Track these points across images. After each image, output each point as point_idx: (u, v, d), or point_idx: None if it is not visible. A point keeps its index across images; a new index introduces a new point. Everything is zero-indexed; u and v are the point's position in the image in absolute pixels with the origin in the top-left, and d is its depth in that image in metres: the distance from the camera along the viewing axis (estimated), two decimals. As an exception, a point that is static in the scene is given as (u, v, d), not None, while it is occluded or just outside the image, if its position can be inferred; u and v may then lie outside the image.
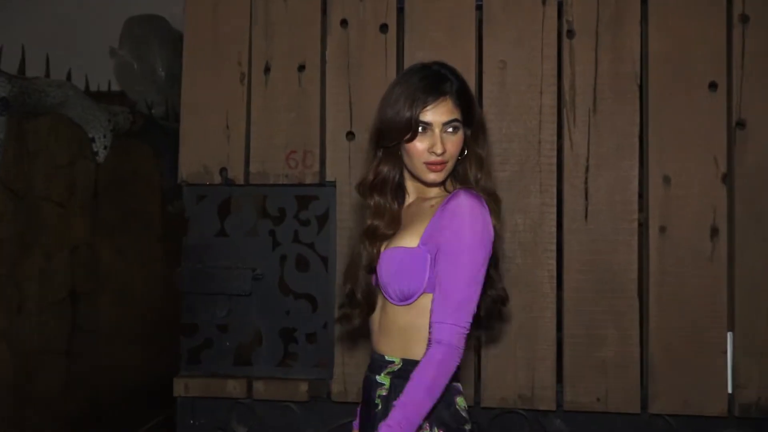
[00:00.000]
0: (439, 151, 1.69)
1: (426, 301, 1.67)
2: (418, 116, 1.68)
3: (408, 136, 1.70)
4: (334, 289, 2.55)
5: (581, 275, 2.45)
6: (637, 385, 2.43)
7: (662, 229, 2.43)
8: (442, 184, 1.79)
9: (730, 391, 2.39)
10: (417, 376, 1.60)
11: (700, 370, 2.40)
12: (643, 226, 2.47)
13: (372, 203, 1.81)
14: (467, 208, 1.65)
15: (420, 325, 1.68)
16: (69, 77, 4.06)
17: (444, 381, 1.61)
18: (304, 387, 2.55)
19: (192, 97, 2.67)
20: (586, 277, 2.45)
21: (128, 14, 4.64)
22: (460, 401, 1.71)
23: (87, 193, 3.88)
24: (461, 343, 1.62)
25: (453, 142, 1.71)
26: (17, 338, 3.30)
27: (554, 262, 2.47)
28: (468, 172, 1.77)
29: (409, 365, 1.66)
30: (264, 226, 2.64)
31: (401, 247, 1.71)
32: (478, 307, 1.68)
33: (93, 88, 4.62)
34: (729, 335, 2.39)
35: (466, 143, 1.75)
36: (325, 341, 2.59)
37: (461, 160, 1.77)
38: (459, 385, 1.72)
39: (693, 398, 2.40)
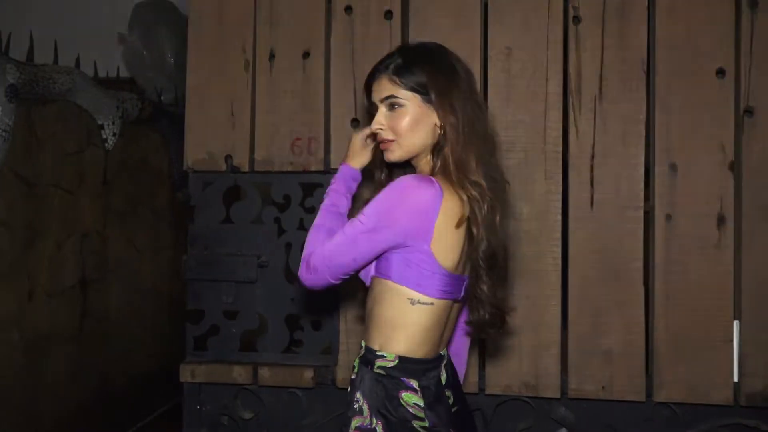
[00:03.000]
0: (373, 127, 1.73)
1: (379, 286, 1.68)
2: (368, 96, 1.75)
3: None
4: (339, 276, 2.55)
5: (587, 263, 2.44)
6: (642, 373, 2.42)
7: (668, 217, 2.41)
8: (406, 165, 1.77)
9: (736, 379, 2.38)
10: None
11: (705, 359, 2.39)
12: (649, 215, 2.45)
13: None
14: (396, 183, 1.62)
15: (376, 313, 1.69)
16: (77, 64, 4.06)
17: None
18: (309, 374, 2.56)
19: (197, 84, 2.68)
20: (591, 266, 2.44)
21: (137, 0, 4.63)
22: (408, 397, 1.64)
23: (96, 180, 3.89)
24: (313, 283, 1.68)
25: (394, 118, 1.68)
26: (28, 325, 3.32)
27: (559, 251, 2.46)
28: (445, 154, 1.68)
29: (369, 353, 1.69)
30: (269, 213, 2.64)
31: None
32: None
33: (102, 74, 4.61)
34: (735, 324, 2.38)
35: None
36: (330, 328, 2.60)
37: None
38: (411, 381, 1.64)
39: (698, 387, 2.39)
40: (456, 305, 1.75)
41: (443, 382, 1.73)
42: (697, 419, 2.42)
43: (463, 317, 1.84)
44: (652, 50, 2.45)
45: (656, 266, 2.42)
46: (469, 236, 1.64)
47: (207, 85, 2.66)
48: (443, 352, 1.77)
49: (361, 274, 1.72)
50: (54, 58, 4.01)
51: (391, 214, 1.59)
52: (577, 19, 2.48)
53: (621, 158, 2.44)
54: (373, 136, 1.77)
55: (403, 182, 1.61)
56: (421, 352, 1.67)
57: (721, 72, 2.40)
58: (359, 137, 1.87)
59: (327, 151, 2.59)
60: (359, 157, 1.87)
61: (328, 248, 1.65)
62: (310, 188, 2.61)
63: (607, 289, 2.43)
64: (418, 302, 1.65)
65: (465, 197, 1.63)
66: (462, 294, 1.71)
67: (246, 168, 2.63)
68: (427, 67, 1.69)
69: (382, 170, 1.86)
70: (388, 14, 2.56)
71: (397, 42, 2.55)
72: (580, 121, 2.46)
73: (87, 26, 4.92)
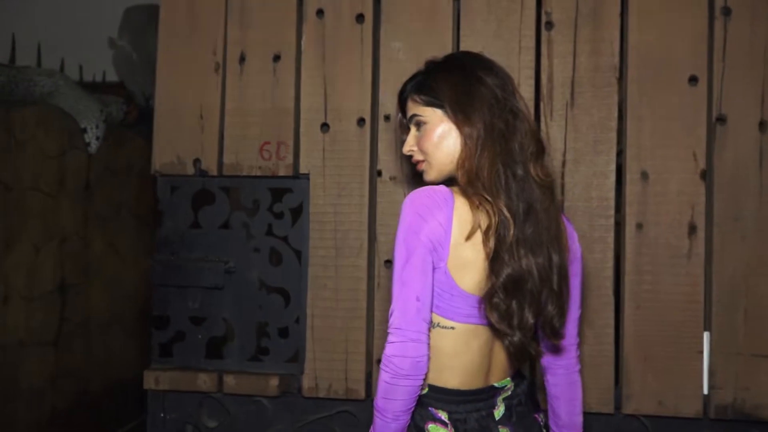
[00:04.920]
0: (404, 150, 1.72)
1: None
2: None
3: None
4: (307, 283, 2.52)
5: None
6: (611, 386, 2.38)
7: (639, 226, 2.37)
8: (444, 183, 1.65)
9: (705, 392, 2.33)
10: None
11: (675, 371, 2.34)
12: (620, 223, 2.41)
13: None
14: (403, 206, 1.55)
15: None
16: (62, 67, 4.06)
17: (392, 397, 1.49)
18: (274, 382, 2.52)
19: (166, 86, 2.65)
20: (561, 274, 2.39)
21: (124, 4, 4.63)
22: (434, 429, 1.56)
23: (78, 184, 3.87)
24: (398, 351, 1.48)
25: (421, 138, 1.67)
26: (4, 330, 3.30)
27: (528, 259, 2.41)
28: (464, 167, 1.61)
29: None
30: (238, 218, 2.61)
31: None
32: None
33: (87, 78, 4.62)
34: (705, 335, 2.33)
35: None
36: (298, 336, 2.56)
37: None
38: (439, 413, 1.57)
39: (668, 399, 2.34)
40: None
41: (497, 417, 1.62)
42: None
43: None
44: (625, 57, 2.41)
45: (626, 275, 2.38)
46: (489, 255, 1.53)
47: (176, 87, 2.63)
48: (501, 383, 1.65)
49: None
50: (37, 61, 4.01)
51: (405, 233, 1.51)
52: (549, 25, 2.45)
53: (592, 166, 2.40)
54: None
55: (405, 203, 1.55)
56: (454, 382, 1.58)
57: (693, 79, 2.37)
58: None
59: (296, 156, 2.55)
60: None
61: (390, 325, 1.51)
62: (279, 193, 2.58)
63: (578, 299, 2.39)
64: (438, 325, 1.56)
65: (479, 212, 1.53)
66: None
67: (214, 172, 2.59)
68: (444, 79, 1.65)
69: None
70: (360, 18, 2.53)
71: (369, 46, 2.52)
72: (552, 127, 2.43)
73: (73, 30, 4.92)
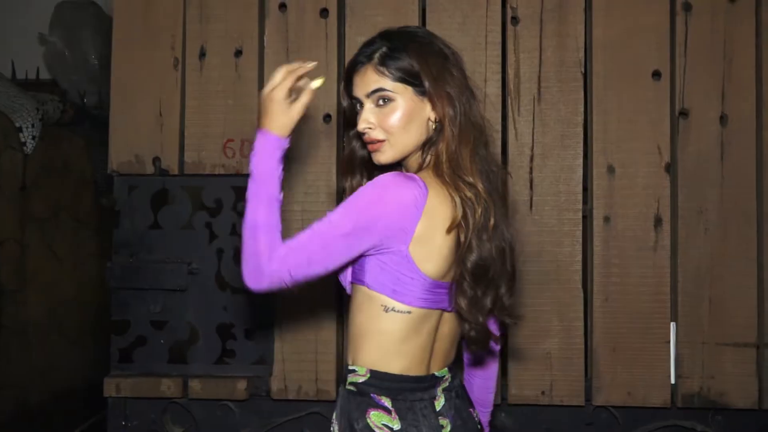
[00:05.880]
0: (360, 127, 1.52)
1: (356, 294, 1.54)
2: (350, 94, 1.56)
3: (353, 115, 1.57)
4: (273, 282, 2.46)
5: (525, 266, 2.39)
6: (582, 377, 2.41)
7: (606, 219, 2.41)
8: (397, 166, 1.58)
9: (673, 381, 2.38)
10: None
11: (643, 361, 2.38)
12: (587, 217, 2.44)
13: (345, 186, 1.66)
14: (374, 181, 1.46)
15: (350, 323, 1.55)
16: (-6, 64, 3.88)
17: (246, 248, 1.44)
18: (242, 385, 2.45)
19: (122, 82, 2.55)
20: (530, 269, 2.39)
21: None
22: (376, 416, 1.49)
23: (14, 185, 3.69)
24: (274, 276, 1.40)
25: (385, 115, 1.50)
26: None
27: (499, 254, 2.42)
28: (438, 151, 1.52)
29: (344, 369, 1.55)
30: (200, 218, 2.53)
31: None
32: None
33: (20, 75, 4.41)
34: (672, 325, 2.38)
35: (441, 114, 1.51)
36: (265, 337, 2.50)
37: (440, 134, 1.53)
38: (382, 399, 1.50)
39: (637, 389, 2.38)
40: (450, 317, 1.56)
41: (437, 407, 1.55)
42: (636, 422, 2.41)
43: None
44: (590, 52, 2.44)
45: (594, 268, 2.41)
46: (458, 242, 1.48)
47: (133, 83, 2.54)
48: (440, 373, 1.58)
49: (341, 280, 1.58)
50: (-33, 58, 3.82)
51: (368, 214, 1.41)
52: (515, 20, 2.46)
53: (560, 160, 2.42)
54: (296, 91, 1.50)
55: (382, 180, 1.44)
56: (398, 367, 1.50)
57: (657, 74, 2.41)
58: (280, 95, 1.46)
59: (260, 153, 2.49)
60: (285, 120, 1.46)
61: (292, 257, 1.40)
62: (243, 192, 2.49)
63: (546, 293, 2.41)
64: (393, 309, 1.48)
65: (458, 199, 1.46)
66: (452, 304, 1.53)
67: (175, 171, 2.51)
68: (417, 52, 1.50)
69: (363, 174, 1.65)
70: (324, 12, 2.49)
71: (333, 41, 2.48)
72: (519, 123, 2.44)
73: (5, 25, 4.69)
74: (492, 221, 1.49)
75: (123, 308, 2.54)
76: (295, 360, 2.45)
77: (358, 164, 1.65)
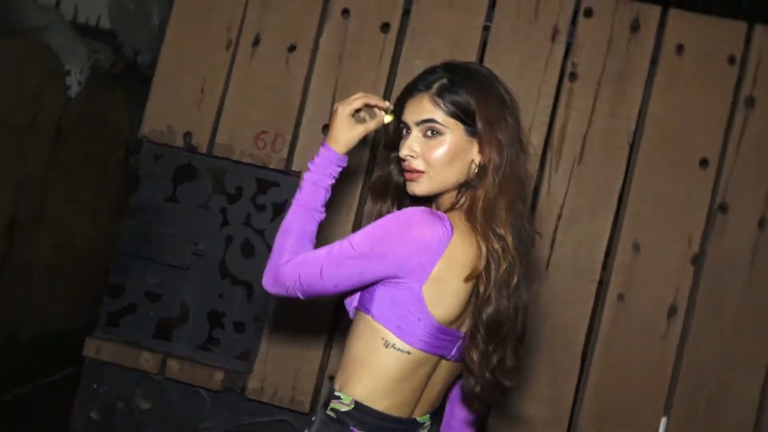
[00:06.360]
0: (403, 153, 1.48)
1: (359, 321, 1.48)
2: (399, 115, 1.52)
3: (396, 139, 1.53)
4: (274, 282, 2.43)
5: (528, 325, 2.34)
6: (560, 450, 2.34)
7: (620, 297, 2.34)
8: (437, 198, 1.53)
9: (652, 476, 2.31)
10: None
11: (626, 448, 2.31)
12: (600, 289, 2.37)
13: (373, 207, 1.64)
14: (401, 212, 1.41)
15: (347, 349, 1.49)
16: (57, 4, 3.90)
17: (273, 248, 1.51)
18: (219, 375, 2.41)
19: (173, 51, 2.54)
20: (531, 328, 2.33)
21: (133, -48, 4.45)
22: None
23: (49, 126, 3.71)
24: (286, 281, 1.45)
25: (431, 147, 1.45)
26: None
27: (504, 306, 2.36)
28: (477, 196, 1.46)
29: (330, 392, 1.48)
30: (217, 201, 2.50)
31: None
32: None
33: (81, 20, 4.43)
34: (663, 420, 2.30)
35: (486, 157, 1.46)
36: (253, 333, 2.46)
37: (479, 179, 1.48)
38: None
39: (613, 474, 2.31)
40: (447, 365, 1.51)
41: None
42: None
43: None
44: (641, 124, 2.38)
45: (597, 343, 2.34)
46: (477, 292, 1.43)
47: (183, 55, 2.53)
48: (422, 419, 1.52)
49: (346, 304, 1.54)
50: (35, -7, 3.84)
51: (387, 243, 1.38)
52: (573, 76, 2.41)
53: (587, 226, 2.36)
54: (364, 110, 1.56)
55: (410, 213, 1.40)
56: (384, 405, 1.45)
57: (704, 162, 2.34)
58: (347, 110, 1.53)
59: (291, 152, 2.46)
60: (346, 137, 1.53)
61: (306, 267, 1.43)
62: (265, 185, 2.49)
63: (543, 355, 2.35)
64: (393, 346, 1.43)
65: (485, 248, 1.42)
66: (454, 353, 1.47)
67: (203, 150, 2.49)
68: (477, 92, 1.46)
69: (393, 201, 1.61)
70: (385, 27, 2.46)
71: (388, 56, 2.44)
72: (555, 179, 2.38)
73: (75, -32, 4.73)
74: (515, 279, 1.44)
75: (122, 273, 2.52)
76: (277, 364, 2.41)
77: (392, 190, 1.62)
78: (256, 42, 2.50)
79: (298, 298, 1.46)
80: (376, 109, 1.57)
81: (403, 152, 1.48)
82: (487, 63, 2.42)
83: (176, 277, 2.49)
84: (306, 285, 1.44)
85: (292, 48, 2.48)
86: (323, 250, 1.44)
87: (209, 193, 2.50)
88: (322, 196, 1.52)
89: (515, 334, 1.49)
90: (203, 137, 2.49)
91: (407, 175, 1.50)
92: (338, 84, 2.45)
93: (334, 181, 1.54)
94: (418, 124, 1.48)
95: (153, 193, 2.52)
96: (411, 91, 1.51)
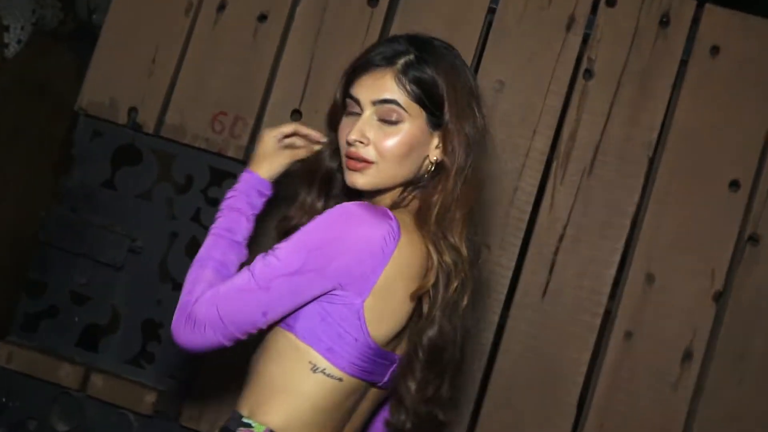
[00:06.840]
0: (352, 137, 1.28)
1: (275, 338, 1.29)
2: (346, 89, 1.32)
3: (337, 117, 1.34)
4: (223, 290, 2.09)
5: (519, 363, 2.02)
6: None
7: (628, 335, 2.01)
8: (377, 194, 1.35)
9: None
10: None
11: None
12: (606, 325, 2.04)
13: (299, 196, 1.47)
14: (335, 210, 1.23)
15: (261, 369, 1.30)
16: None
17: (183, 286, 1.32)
18: (151, 397, 2.06)
19: (121, 13, 2.22)
20: (523, 364, 2.02)
21: None
22: None
23: (-21, 90, 3.33)
24: (202, 321, 1.22)
25: (386, 135, 1.27)
26: None
27: (491, 338, 2.03)
28: (431, 200, 1.30)
29: (232, 419, 1.29)
30: (162, 190, 2.16)
31: None
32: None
33: (33, -26, 4.07)
34: (668, 483, 1.98)
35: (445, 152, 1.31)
36: (195, 350, 2.11)
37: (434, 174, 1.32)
38: None
39: None
40: (375, 393, 1.35)
41: None
42: None
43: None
44: (664, 136, 2.06)
45: (598, 387, 2.01)
46: (420, 311, 1.28)
47: (135, 16, 2.20)
48: None
49: None
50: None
51: (323, 252, 1.19)
52: (588, 74, 2.08)
53: (594, 250, 2.03)
54: (292, 136, 1.42)
55: (346, 209, 1.22)
56: None
57: (735, 184, 2.02)
58: (273, 135, 1.44)
59: (252, 139, 2.11)
60: (271, 163, 1.43)
61: (223, 296, 1.21)
62: (220, 176, 2.15)
63: (533, 397, 2.02)
64: (323, 372, 1.25)
65: (435, 260, 1.25)
66: (386, 379, 1.32)
67: (150, 129, 2.15)
68: (447, 76, 1.29)
69: (321, 192, 1.43)
70: (373, 0, 2.12)
71: (374, 35, 2.11)
72: (559, 192, 2.05)
73: None
74: (465, 301, 1.32)
75: (44, 268, 2.19)
76: (221, 388, 2.07)
77: (321, 177, 1.43)
78: (222, 7, 2.15)
79: (223, 346, 1.20)
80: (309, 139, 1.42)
81: (352, 136, 1.28)
82: (490, 50, 2.10)
83: (108, 277, 2.15)
84: (228, 323, 1.19)
85: (262, 17, 2.13)
86: (242, 274, 1.23)
87: (153, 181, 2.17)
88: (243, 226, 1.37)
89: (454, 361, 1.37)
90: (150, 115, 2.14)
91: (350, 163, 1.30)
92: (313, 63, 2.11)
93: (257, 211, 1.41)
94: (374, 103, 1.28)
95: (87, 176, 2.19)
96: (370, 63, 1.31)
